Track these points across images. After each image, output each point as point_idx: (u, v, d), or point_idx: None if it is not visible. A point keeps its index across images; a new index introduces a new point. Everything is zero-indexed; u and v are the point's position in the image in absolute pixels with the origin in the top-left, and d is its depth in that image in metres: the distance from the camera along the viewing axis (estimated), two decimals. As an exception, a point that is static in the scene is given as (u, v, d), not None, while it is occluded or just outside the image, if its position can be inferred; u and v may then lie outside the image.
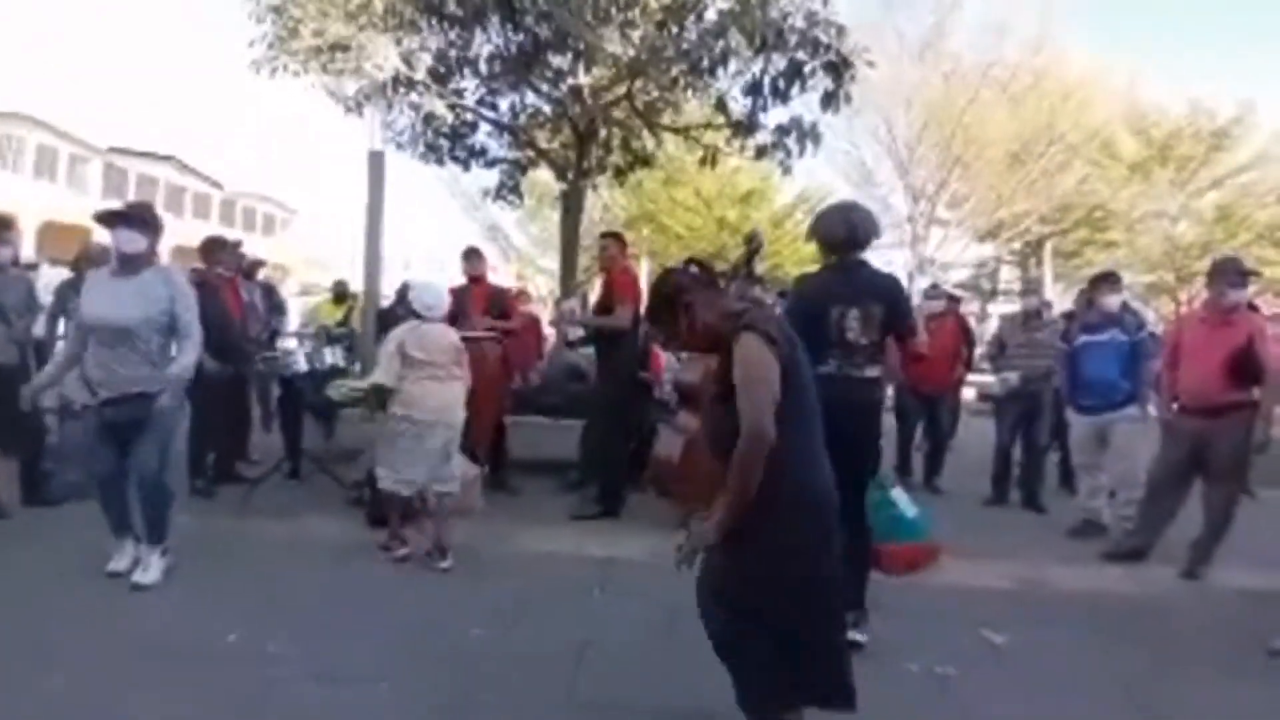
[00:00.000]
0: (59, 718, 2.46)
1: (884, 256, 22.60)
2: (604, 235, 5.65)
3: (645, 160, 9.60)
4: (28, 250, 13.31)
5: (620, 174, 9.66)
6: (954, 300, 7.33)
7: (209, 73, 52.76)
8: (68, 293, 5.22)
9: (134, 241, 3.49)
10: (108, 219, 3.55)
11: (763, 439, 1.85)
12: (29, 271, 5.90)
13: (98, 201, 26.06)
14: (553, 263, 17.08)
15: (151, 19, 56.22)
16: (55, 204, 24.26)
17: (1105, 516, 5.07)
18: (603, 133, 8.82)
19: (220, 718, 2.52)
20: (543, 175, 11.61)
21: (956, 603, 3.69)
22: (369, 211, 6.58)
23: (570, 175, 8.86)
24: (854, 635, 2.87)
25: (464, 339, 5.29)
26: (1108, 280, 5.24)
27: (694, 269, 2.20)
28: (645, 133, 9.14)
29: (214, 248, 5.57)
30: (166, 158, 30.21)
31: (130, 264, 3.52)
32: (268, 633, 3.10)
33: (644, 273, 17.09)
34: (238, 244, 5.94)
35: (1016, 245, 23.58)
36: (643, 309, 5.13)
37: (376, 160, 6.57)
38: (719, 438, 2.01)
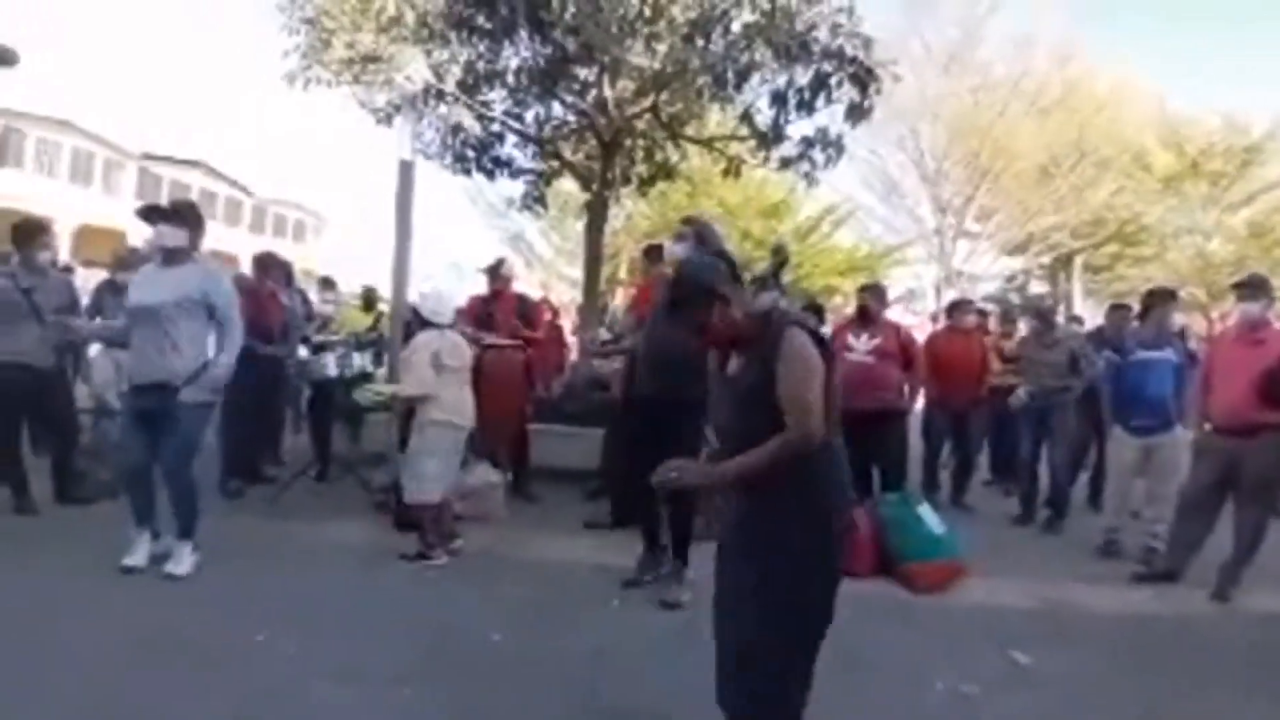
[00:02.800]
0: (84, 714, 2.50)
1: (911, 270, 22.56)
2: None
3: (669, 171, 9.63)
4: (62, 254, 13.64)
5: (644, 185, 9.69)
6: (982, 315, 7.27)
7: (242, 81, 53.87)
8: (104, 295, 5.35)
9: (172, 236, 3.70)
10: (148, 214, 3.77)
11: (814, 440, 1.88)
12: (67, 274, 6.04)
13: (132, 206, 26.64)
14: (576, 271, 17.15)
15: (186, 28, 57.47)
16: (90, 208, 24.84)
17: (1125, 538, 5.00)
18: (627, 144, 8.86)
19: (245, 716, 2.56)
20: (567, 185, 11.68)
21: (983, 622, 3.65)
22: (398, 220, 6.65)
23: (595, 186, 8.90)
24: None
25: (489, 346, 5.37)
26: (1169, 295, 5.14)
27: (722, 264, 2.15)
28: (669, 144, 9.18)
29: (270, 263, 5.99)
30: (199, 164, 30.83)
31: (170, 257, 3.72)
32: (293, 633, 3.14)
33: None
34: (288, 264, 6.39)
35: (1046, 259, 23.33)
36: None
37: (406, 170, 6.64)
38: (746, 429, 1.98)
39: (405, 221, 6.69)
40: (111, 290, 5.32)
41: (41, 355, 4.59)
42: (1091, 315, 12.26)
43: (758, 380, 1.96)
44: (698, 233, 3.85)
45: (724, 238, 3.97)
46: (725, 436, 2.15)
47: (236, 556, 3.96)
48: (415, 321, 4.32)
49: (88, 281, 8.11)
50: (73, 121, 25.76)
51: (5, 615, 3.13)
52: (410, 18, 7.40)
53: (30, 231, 4.68)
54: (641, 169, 9.33)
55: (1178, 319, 5.03)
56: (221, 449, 5.33)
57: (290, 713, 2.60)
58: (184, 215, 3.79)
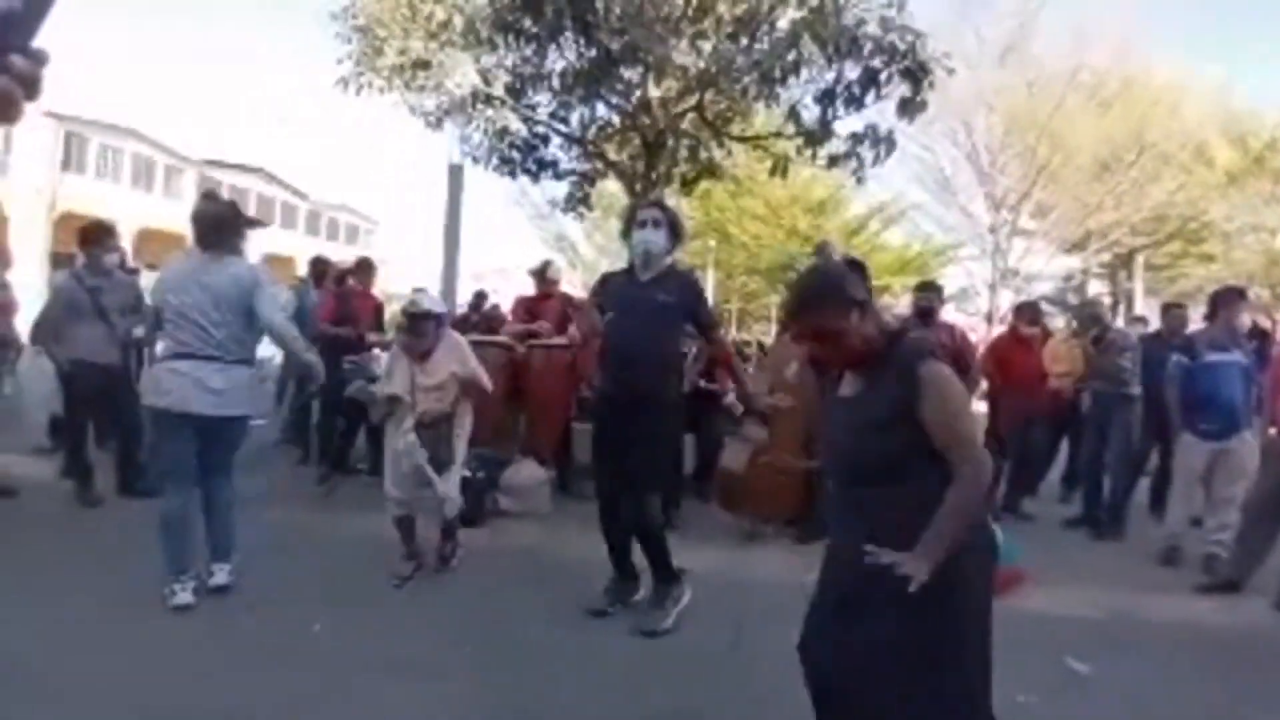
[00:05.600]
0: (136, 706, 2.56)
1: (964, 268, 22.03)
2: None
3: (713, 170, 9.59)
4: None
5: (688, 184, 9.67)
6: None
7: (297, 88, 55.47)
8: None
9: None
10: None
11: (988, 469, 1.77)
12: (132, 275, 6.26)
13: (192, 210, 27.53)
14: (621, 272, 17.19)
15: (243, 37, 59.36)
16: (152, 212, 25.71)
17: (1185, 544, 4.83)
18: (670, 144, 8.86)
19: (300, 702, 2.61)
20: (611, 186, 11.72)
21: (1040, 629, 3.53)
22: (447, 222, 6.78)
23: (638, 186, 8.91)
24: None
25: (534, 346, 5.42)
26: (1237, 295, 4.95)
27: (852, 272, 1.91)
28: (714, 143, 9.14)
29: (364, 268, 6.41)
30: (257, 170, 31.69)
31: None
32: (344, 626, 3.20)
33: (710, 282, 17.04)
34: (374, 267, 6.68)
35: (1105, 257, 22.57)
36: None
37: (455, 173, 6.77)
38: (867, 459, 1.82)
39: (454, 223, 6.83)
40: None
41: (107, 352, 4.77)
42: (1154, 315, 11.79)
43: (887, 409, 1.77)
44: (670, 221, 3.46)
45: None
46: (840, 463, 1.93)
47: (291, 551, 4.05)
48: (482, 320, 4.26)
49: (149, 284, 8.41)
50: (135, 128, 26.70)
51: (61, 608, 3.23)
52: (459, 23, 7.51)
53: (96, 234, 4.88)
54: (685, 168, 9.31)
55: (1245, 319, 4.83)
56: (319, 437, 5.96)
57: (341, 704, 2.64)
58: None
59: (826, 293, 1.84)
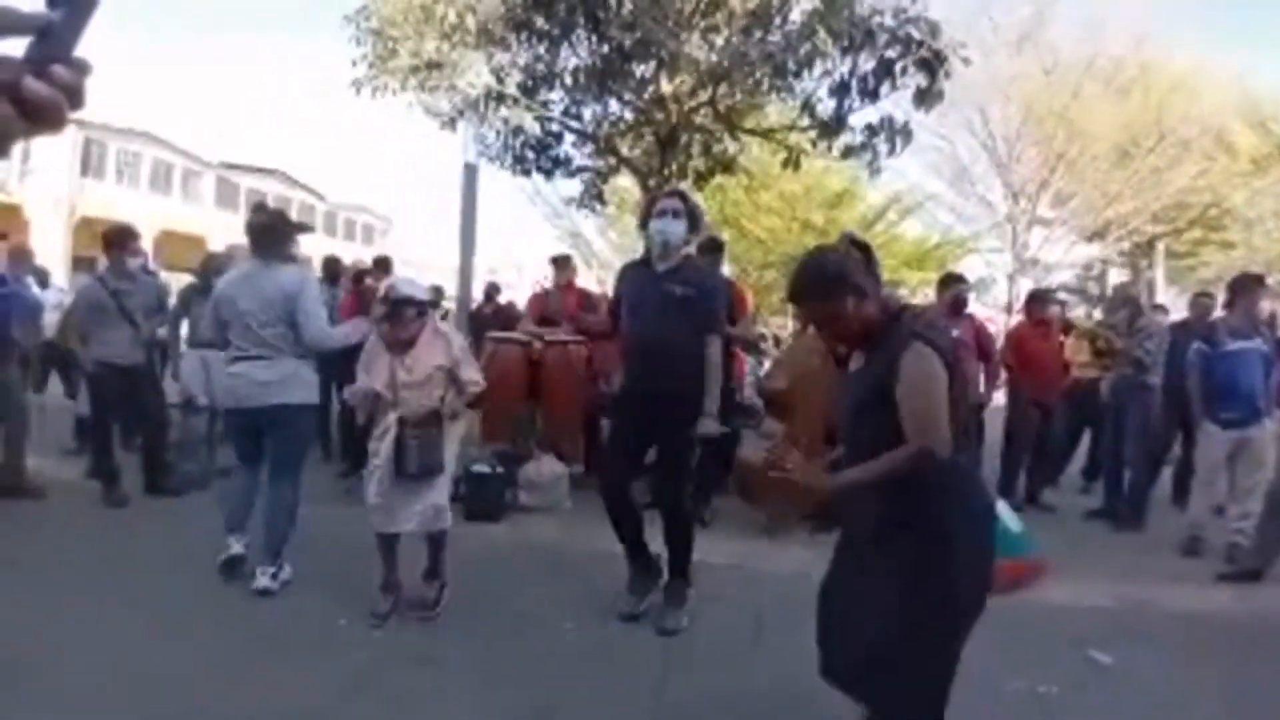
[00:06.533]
0: (171, 703, 2.61)
1: (984, 258, 21.80)
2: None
3: (727, 165, 9.56)
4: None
5: (701, 179, 9.64)
6: (1061, 304, 7.01)
7: (313, 90, 55.90)
8: (192, 297, 5.62)
9: None
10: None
11: (938, 454, 1.78)
12: (152, 277, 6.33)
13: (211, 213, 27.87)
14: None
15: (258, 41, 59.86)
16: (170, 215, 25.97)
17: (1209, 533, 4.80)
18: (684, 138, 8.83)
19: (327, 698, 2.65)
20: (624, 182, 11.72)
21: (1062, 621, 3.53)
22: (462, 220, 6.81)
23: (652, 182, 8.90)
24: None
25: (551, 342, 5.45)
26: (1255, 281, 4.91)
27: (858, 254, 1.96)
28: (727, 137, 9.10)
29: (382, 266, 6.77)
30: (275, 172, 31.89)
31: None
32: (366, 621, 3.24)
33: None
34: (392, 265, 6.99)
35: (1125, 246, 22.26)
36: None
37: (470, 172, 6.81)
38: (860, 433, 1.90)
39: (470, 222, 6.86)
40: (201, 294, 5.57)
41: (131, 354, 4.85)
42: (1174, 304, 11.64)
43: (876, 385, 1.84)
44: (690, 210, 3.42)
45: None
46: (842, 438, 2.03)
47: (319, 545, 4.09)
48: (464, 316, 4.28)
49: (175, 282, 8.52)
50: (152, 133, 26.95)
51: (95, 606, 3.29)
52: (471, 23, 7.52)
53: (120, 238, 4.95)
54: (699, 163, 9.27)
55: (1264, 306, 4.78)
56: (340, 436, 5.94)
57: (372, 697, 2.68)
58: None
59: (820, 281, 1.92)
